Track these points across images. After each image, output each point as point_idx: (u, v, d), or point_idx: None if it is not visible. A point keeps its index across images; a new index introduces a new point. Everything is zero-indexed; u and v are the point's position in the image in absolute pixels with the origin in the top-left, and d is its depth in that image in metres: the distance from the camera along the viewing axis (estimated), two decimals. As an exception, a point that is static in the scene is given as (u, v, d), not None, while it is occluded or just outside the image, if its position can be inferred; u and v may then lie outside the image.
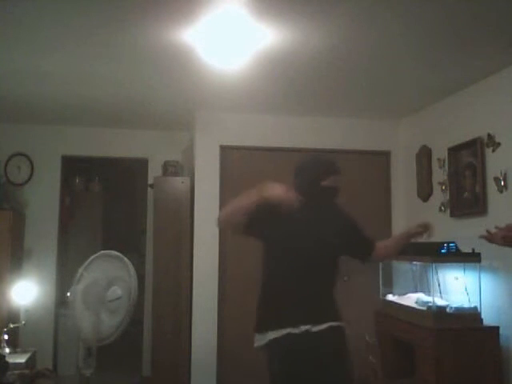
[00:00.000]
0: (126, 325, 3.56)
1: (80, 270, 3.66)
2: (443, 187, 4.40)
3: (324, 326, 2.46)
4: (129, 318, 3.57)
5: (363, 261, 2.87)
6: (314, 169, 2.73)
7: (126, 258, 3.71)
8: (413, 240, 2.92)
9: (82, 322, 3.56)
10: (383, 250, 2.88)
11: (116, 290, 3.59)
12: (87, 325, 3.53)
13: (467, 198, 4.09)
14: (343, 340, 2.54)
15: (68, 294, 3.66)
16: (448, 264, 3.85)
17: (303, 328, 2.43)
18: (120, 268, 3.69)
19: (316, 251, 2.60)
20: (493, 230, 2.83)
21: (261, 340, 2.52)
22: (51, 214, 5.51)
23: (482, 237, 2.88)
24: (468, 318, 3.60)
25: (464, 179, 4.13)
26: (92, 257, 3.74)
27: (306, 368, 2.44)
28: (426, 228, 2.90)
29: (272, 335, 2.47)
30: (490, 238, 2.85)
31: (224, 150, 5.02)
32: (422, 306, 3.75)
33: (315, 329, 2.44)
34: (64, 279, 5.35)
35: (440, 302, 3.73)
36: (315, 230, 2.62)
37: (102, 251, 3.85)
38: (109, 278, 3.60)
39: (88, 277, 3.62)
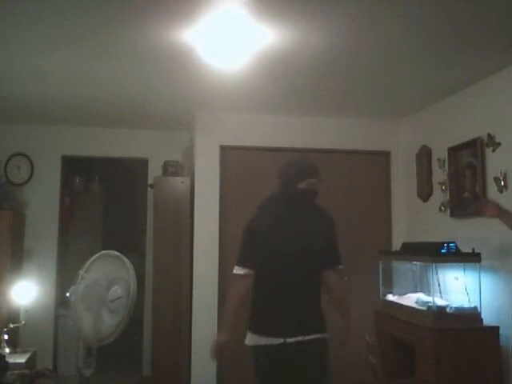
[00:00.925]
0: (125, 324, 3.57)
1: (81, 271, 3.67)
2: (443, 187, 4.40)
3: (312, 337, 2.64)
4: (128, 318, 3.57)
5: (327, 268, 2.81)
6: (291, 171, 2.74)
7: (125, 258, 3.72)
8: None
9: (82, 321, 3.56)
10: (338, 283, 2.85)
11: (117, 290, 3.60)
12: (87, 325, 3.53)
13: (467, 198, 4.08)
14: (327, 351, 2.70)
15: (67, 295, 3.66)
16: (448, 264, 3.85)
17: (295, 339, 2.59)
18: (120, 268, 3.69)
19: (304, 260, 2.69)
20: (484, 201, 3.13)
21: (253, 340, 2.68)
22: (51, 214, 5.51)
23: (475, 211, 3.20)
24: (468, 317, 3.59)
25: (464, 179, 4.13)
26: (93, 257, 3.75)
27: (294, 377, 2.61)
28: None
29: (265, 341, 2.63)
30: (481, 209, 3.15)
31: (224, 150, 5.02)
32: (422, 305, 3.75)
33: (306, 338, 2.61)
34: (64, 279, 5.35)
35: (440, 302, 3.72)
36: (302, 239, 2.71)
37: (103, 251, 3.85)
38: (109, 278, 3.61)
39: (89, 277, 3.62)
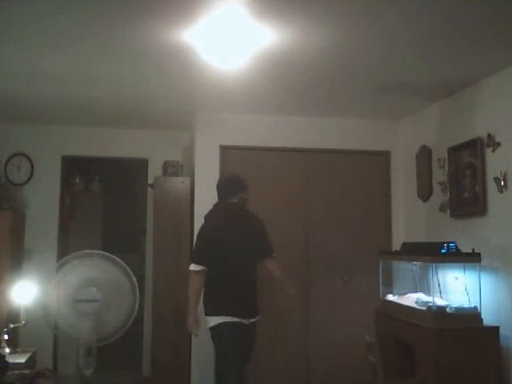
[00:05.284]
0: (122, 332, 3.64)
1: (55, 267, 3.73)
2: (443, 187, 4.40)
3: (257, 318, 3.64)
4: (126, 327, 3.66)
5: (265, 257, 3.77)
6: (225, 188, 3.63)
7: (121, 261, 3.77)
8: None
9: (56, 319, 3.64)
10: (276, 265, 3.82)
11: (91, 291, 3.69)
12: (60, 322, 3.60)
13: (467, 198, 4.08)
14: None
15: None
16: (448, 264, 3.85)
17: (249, 319, 3.54)
18: (105, 270, 3.74)
19: (247, 254, 3.56)
20: None
21: (214, 322, 3.49)
22: (51, 214, 5.51)
23: None
24: (468, 317, 3.59)
25: (464, 179, 4.13)
26: (72, 254, 3.82)
27: (245, 346, 3.55)
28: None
29: (225, 319, 3.45)
30: None
31: (224, 150, 5.01)
32: (422, 305, 3.75)
33: (253, 320, 3.59)
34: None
35: (440, 302, 3.72)
36: (243, 239, 3.57)
37: (84, 251, 3.91)
38: (87, 278, 3.69)
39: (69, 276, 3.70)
